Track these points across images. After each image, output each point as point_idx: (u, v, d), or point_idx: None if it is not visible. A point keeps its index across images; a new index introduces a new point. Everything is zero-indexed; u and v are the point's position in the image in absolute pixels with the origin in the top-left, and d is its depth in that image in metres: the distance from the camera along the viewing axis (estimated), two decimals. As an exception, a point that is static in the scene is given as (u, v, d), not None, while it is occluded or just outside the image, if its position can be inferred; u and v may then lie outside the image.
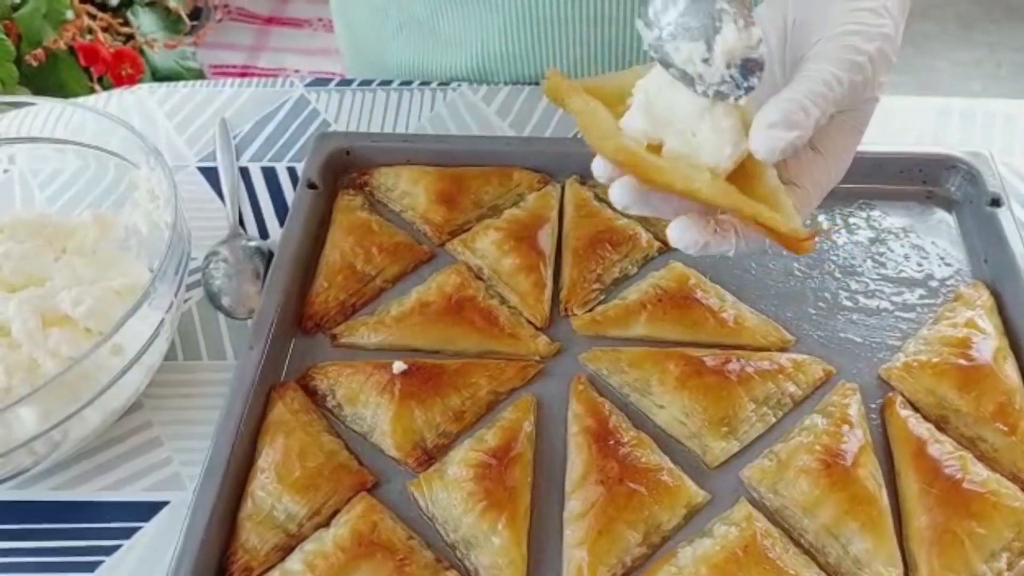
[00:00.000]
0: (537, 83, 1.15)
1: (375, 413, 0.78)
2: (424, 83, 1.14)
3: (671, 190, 0.61)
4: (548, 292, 0.88)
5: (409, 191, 0.96)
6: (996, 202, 0.91)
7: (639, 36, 1.08)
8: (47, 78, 2.13)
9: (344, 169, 1.00)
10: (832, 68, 0.62)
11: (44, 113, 0.97)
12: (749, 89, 0.60)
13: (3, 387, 0.73)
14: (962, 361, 0.79)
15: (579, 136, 1.06)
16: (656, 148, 0.63)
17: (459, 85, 1.13)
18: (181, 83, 1.17)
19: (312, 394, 0.82)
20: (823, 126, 0.64)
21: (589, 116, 0.64)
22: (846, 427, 0.76)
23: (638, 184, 0.63)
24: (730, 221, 0.64)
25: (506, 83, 1.15)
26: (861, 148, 0.96)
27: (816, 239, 0.60)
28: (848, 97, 0.63)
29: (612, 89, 0.68)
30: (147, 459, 0.80)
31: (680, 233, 0.64)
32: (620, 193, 0.64)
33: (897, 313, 0.87)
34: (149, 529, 0.76)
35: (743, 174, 0.63)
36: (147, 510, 0.77)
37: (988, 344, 0.80)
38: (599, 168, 0.65)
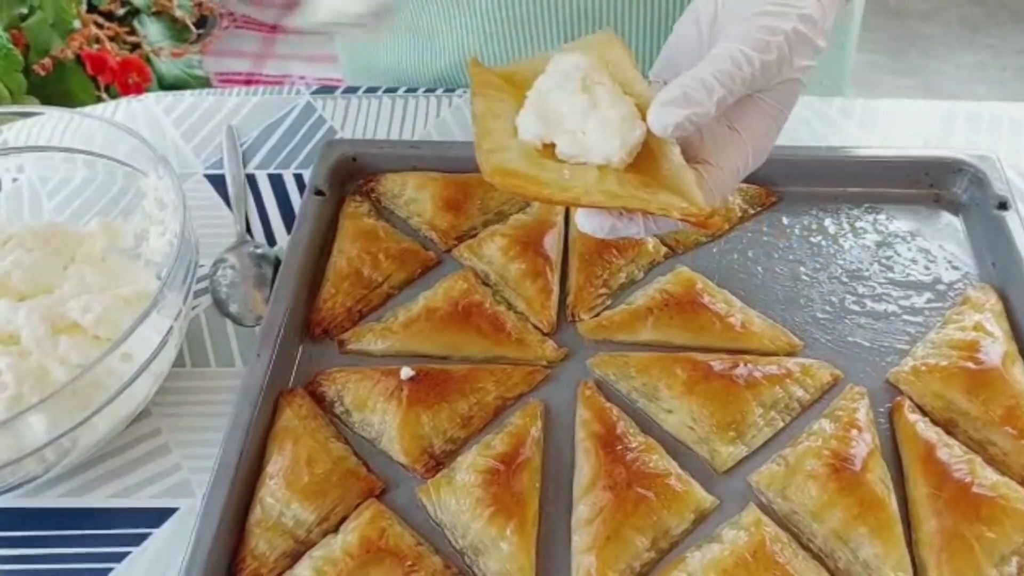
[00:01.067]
0: None
1: (383, 419, 0.78)
2: (429, 90, 1.15)
3: (553, 202, 0.64)
4: (555, 297, 0.88)
5: (415, 197, 0.97)
6: (1003, 205, 0.91)
7: (616, 29, 1.09)
8: (54, 87, 2.14)
9: (350, 176, 1.00)
10: (741, 47, 0.63)
11: (52, 122, 0.98)
12: None
13: (13, 395, 0.73)
14: (970, 365, 0.79)
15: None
16: (552, 148, 0.65)
17: (464, 91, 1.14)
18: (188, 91, 1.18)
19: (320, 400, 0.82)
20: (741, 106, 0.66)
21: (482, 124, 0.66)
22: (854, 431, 0.76)
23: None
24: None
25: None
26: (867, 151, 0.97)
27: (723, 217, 0.62)
28: (760, 77, 0.64)
29: (528, 74, 0.70)
30: (156, 466, 0.80)
31: (586, 218, 0.66)
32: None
33: (905, 317, 0.87)
34: (158, 536, 0.76)
35: (649, 155, 0.65)
36: (156, 517, 0.77)
37: (996, 348, 0.80)
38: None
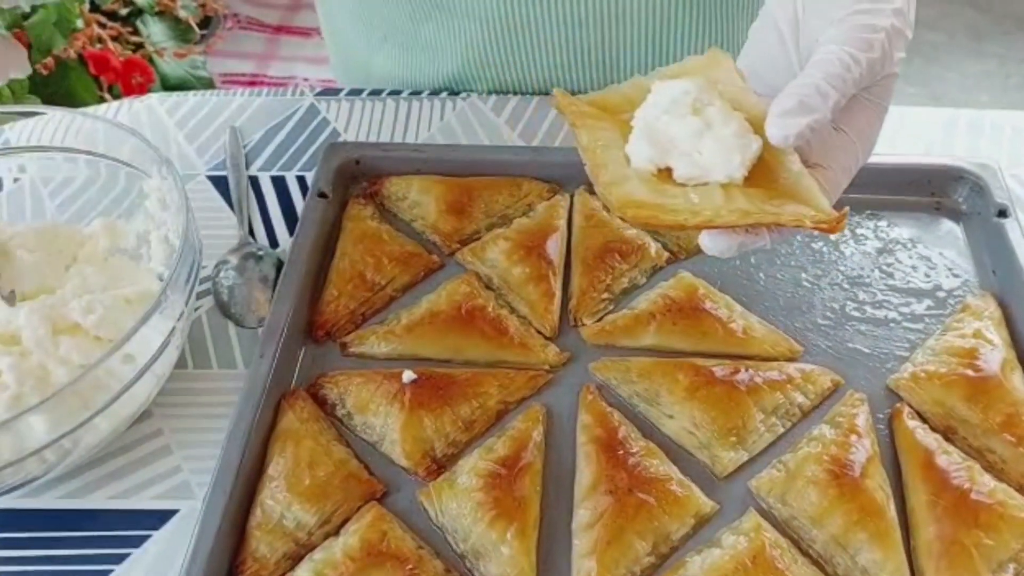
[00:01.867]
0: (518, 91, 1.16)
1: (385, 422, 0.79)
2: (433, 93, 1.15)
3: (686, 228, 0.63)
4: (557, 302, 0.88)
5: (419, 201, 0.97)
6: (1003, 213, 0.91)
7: (618, 38, 1.09)
8: (57, 87, 2.14)
9: (354, 178, 1.01)
10: (848, 48, 0.63)
11: (55, 122, 0.98)
12: None
13: (14, 395, 0.73)
14: (970, 372, 0.79)
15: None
16: (668, 172, 0.64)
17: (468, 95, 1.14)
18: (191, 92, 1.18)
19: (322, 403, 0.82)
20: (845, 106, 0.65)
21: (593, 156, 0.65)
22: (854, 437, 0.76)
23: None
24: None
25: (489, 92, 1.16)
26: (869, 159, 0.97)
27: (845, 219, 0.61)
28: (867, 76, 0.64)
29: (617, 100, 0.70)
30: (157, 467, 0.80)
31: (712, 240, 0.65)
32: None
33: (905, 324, 0.87)
34: (159, 537, 0.76)
35: (764, 167, 0.64)
36: (157, 518, 0.77)
37: (996, 355, 0.80)
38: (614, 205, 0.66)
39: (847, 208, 0.63)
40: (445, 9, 1.10)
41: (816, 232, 0.61)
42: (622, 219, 0.64)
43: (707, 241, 0.65)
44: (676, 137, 0.64)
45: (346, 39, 1.26)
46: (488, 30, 1.10)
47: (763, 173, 0.64)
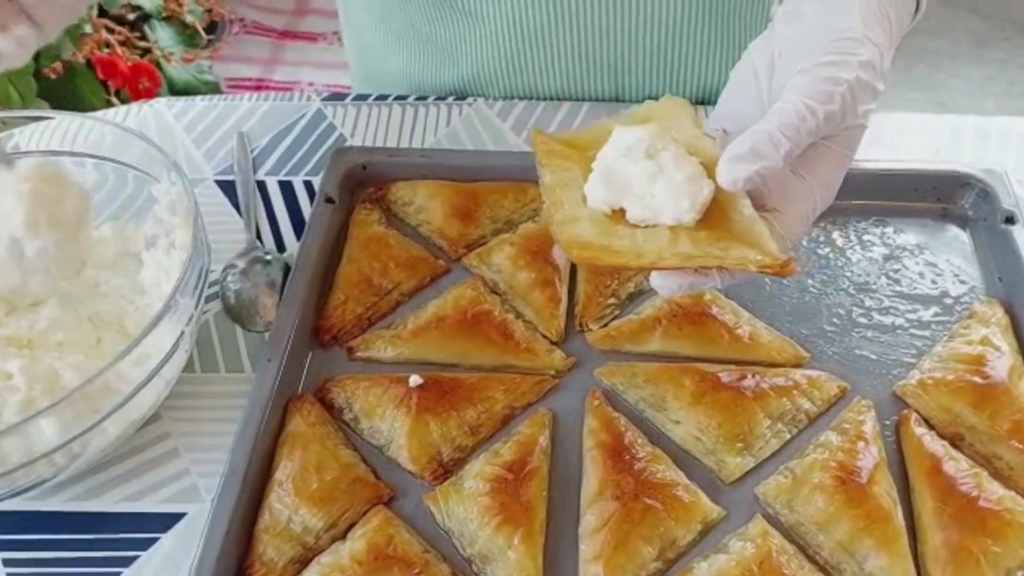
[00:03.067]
0: (531, 97, 1.16)
1: (392, 426, 0.79)
2: (439, 98, 1.15)
3: (629, 268, 0.67)
4: (563, 307, 0.89)
5: (425, 206, 0.97)
6: (1010, 219, 0.91)
7: (631, 49, 1.10)
8: (65, 91, 2.15)
9: (361, 183, 1.01)
10: (805, 99, 0.64)
11: (63, 127, 0.98)
12: None
13: (24, 398, 0.73)
14: (977, 379, 0.79)
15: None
16: (622, 213, 0.67)
17: (474, 100, 1.14)
18: (199, 97, 1.18)
19: (329, 407, 0.82)
20: (807, 153, 0.66)
21: (552, 195, 0.69)
22: (861, 444, 0.76)
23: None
24: None
25: (504, 97, 1.16)
26: (875, 165, 0.97)
27: (800, 263, 0.63)
28: (824, 127, 0.64)
29: (587, 139, 0.73)
30: (165, 470, 0.81)
31: (661, 280, 0.67)
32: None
33: (912, 330, 0.87)
34: (167, 541, 0.76)
35: (718, 210, 0.66)
36: (165, 521, 0.77)
37: (1003, 362, 0.80)
38: (556, 253, 0.73)
39: (793, 254, 0.64)
40: (461, 12, 1.10)
41: (766, 275, 0.63)
42: (570, 259, 0.67)
43: (656, 281, 0.67)
44: (631, 180, 0.66)
45: (365, 40, 1.27)
46: (503, 35, 1.11)
47: (717, 216, 0.66)
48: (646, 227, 0.66)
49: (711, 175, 0.66)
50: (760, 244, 0.63)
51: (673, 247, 0.64)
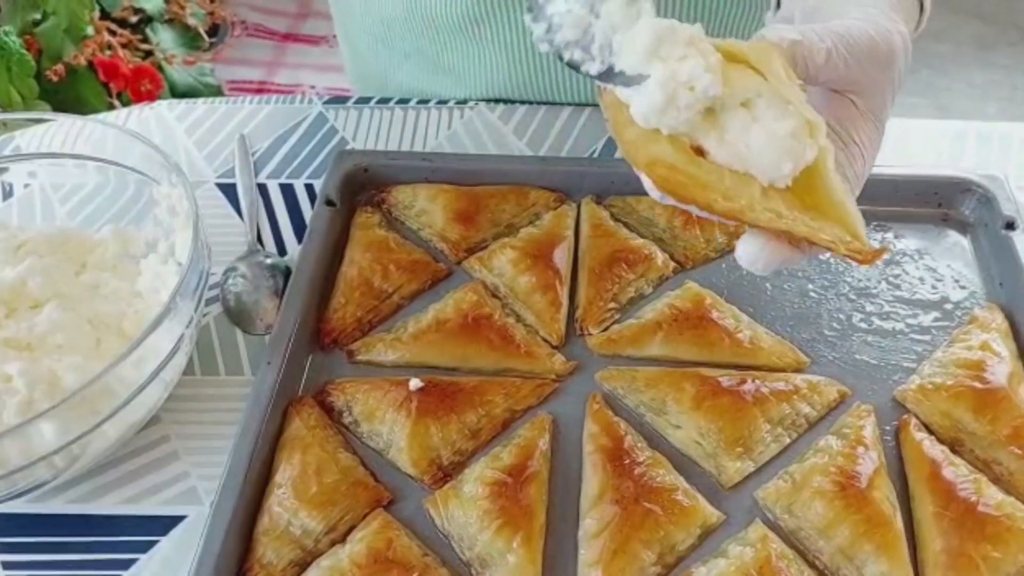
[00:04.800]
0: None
1: (391, 430, 0.79)
2: (441, 102, 1.15)
3: (712, 211, 0.57)
4: (564, 311, 0.89)
5: (426, 209, 0.97)
6: (1011, 225, 0.91)
7: None
8: (67, 93, 2.15)
9: (362, 187, 1.01)
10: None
11: (65, 129, 0.98)
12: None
13: (24, 400, 0.73)
14: (977, 384, 0.79)
15: (595, 156, 1.07)
16: (698, 150, 0.57)
17: (476, 104, 1.14)
18: (200, 100, 1.18)
19: (329, 410, 0.82)
20: (848, 112, 0.63)
21: (618, 112, 0.58)
22: (861, 449, 0.76)
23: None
24: None
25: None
26: (877, 170, 0.97)
27: (882, 256, 0.57)
28: (869, 55, 0.61)
29: None
30: (164, 473, 0.81)
31: (751, 247, 0.59)
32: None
33: (912, 335, 0.87)
34: (166, 543, 0.76)
35: (805, 175, 0.57)
36: (164, 524, 0.77)
37: (1003, 367, 0.80)
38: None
39: (887, 247, 0.59)
40: (470, 37, 1.10)
41: (850, 260, 0.57)
42: (648, 178, 0.57)
43: (742, 247, 0.59)
44: (723, 120, 0.57)
45: (364, 57, 1.27)
46: (513, 58, 1.11)
47: (804, 184, 0.57)
48: (733, 172, 0.57)
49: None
50: (849, 225, 0.56)
51: (765, 202, 0.56)
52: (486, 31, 1.09)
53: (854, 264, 0.58)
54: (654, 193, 0.60)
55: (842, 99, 0.63)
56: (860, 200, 0.98)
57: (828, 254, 0.92)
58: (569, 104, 1.15)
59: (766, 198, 0.56)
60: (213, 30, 2.86)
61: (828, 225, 0.57)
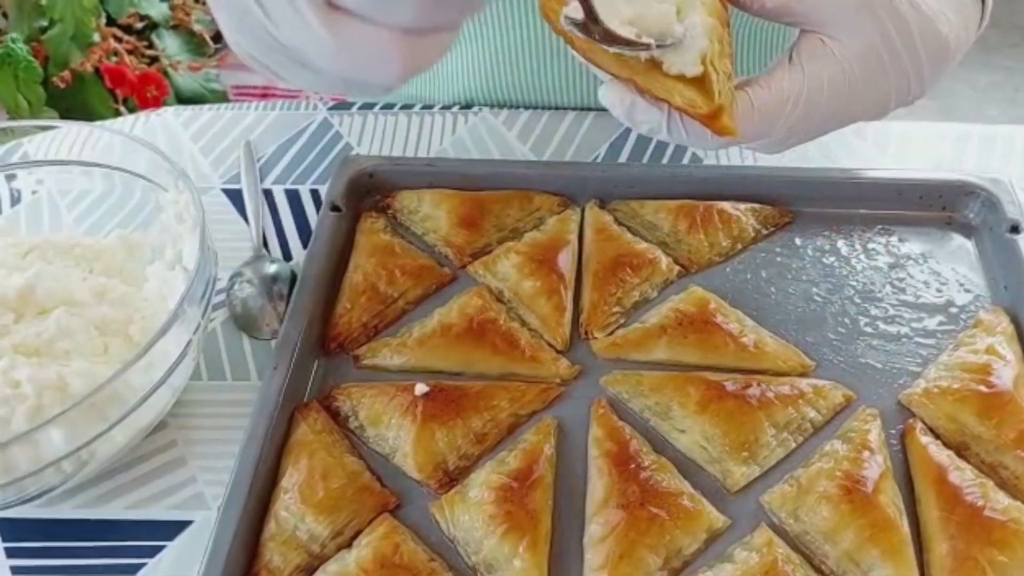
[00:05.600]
0: (536, 106, 1.16)
1: (397, 434, 0.79)
2: (445, 107, 1.16)
3: (573, 46, 0.62)
4: (568, 315, 0.89)
5: (431, 214, 0.97)
6: (1015, 228, 0.91)
7: None
8: (73, 100, 2.16)
9: (367, 192, 1.01)
10: None
11: (72, 136, 0.99)
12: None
13: (33, 406, 0.73)
14: (983, 388, 0.79)
15: (599, 160, 1.07)
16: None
17: (480, 109, 1.15)
18: (206, 106, 1.19)
19: (335, 415, 0.82)
20: (806, 44, 0.66)
21: None
22: (866, 453, 0.76)
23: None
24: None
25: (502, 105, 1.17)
26: (880, 174, 0.98)
27: (737, 125, 0.61)
28: None
29: None
30: (171, 478, 0.81)
31: (608, 88, 0.64)
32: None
33: (917, 339, 0.87)
34: (173, 548, 0.77)
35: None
36: (171, 529, 0.78)
37: (1009, 371, 0.80)
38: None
39: (723, 106, 0.61)
40: (468, 37, 1.10)
41: (696, 118, 0.61)
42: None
43: (602, 90, 0.65)
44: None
45: None
46: (494, 51, 1.11)
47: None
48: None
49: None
50: (707, 89, 0.61)
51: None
52: (484, 29, 1.09)
53: (706, 125, 0.62)
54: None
55: (810, 38, 0.66)
56: (862, 203, 0.98)
57: (832, 258, 0.93)
58: (572, 108, 1.15)
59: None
60: (218, 36, 2.87)
61: (688, 90, 0.61)
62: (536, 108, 1.16)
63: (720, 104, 0.61)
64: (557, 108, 1.15)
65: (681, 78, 0.63)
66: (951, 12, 0.68)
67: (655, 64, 0.63)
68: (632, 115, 0.64)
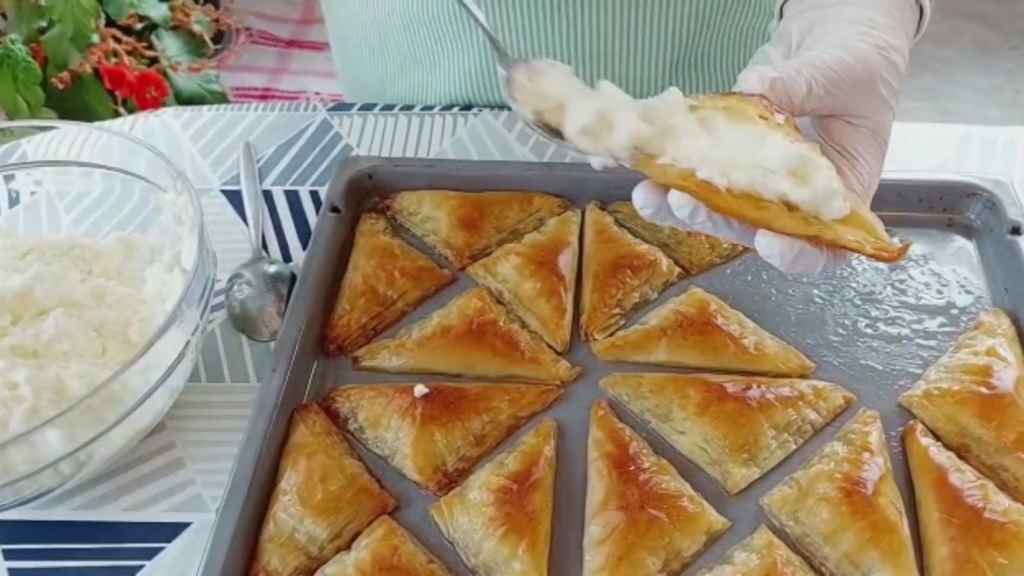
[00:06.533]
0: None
1: (396, 436, 0.79)
2: (445, 108, 1.16)
3: (742, 215, 0.60)
4: (568, 317, 0.89)
5: (431, 215, 0.97)
6: (1016, 230, 0.91)
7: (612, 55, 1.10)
8: (72, 100, 2.16)
9: (367, 193, 1.01)
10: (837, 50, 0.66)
11: (71, 137, 0.99)
12: None
13: (31, 407, 0.73)
14: (983, 389, 0.79)
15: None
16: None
17: (480, 110, 1.15)
18: (206, 107, 1.19)
19: (334, 417, 0.82)
20: (838, 129, 0.66)
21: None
22: (867, 455, 0.76)
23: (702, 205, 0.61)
24: None
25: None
26: (882, 175, 0.97)
27: (907, 251, 0.60)
28: (854, 78, 0.65)
29: None
30: (170, 480, 0.81)
31: (768, 241, 0.60)
32: (684, 199, 0.61)
33: (917, 341, 0.87)
34: (171, 550, 0.76)
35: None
36: (170, 531, 0.77)
37: (1009, 373, 0.80)
38: (644, 198, 0.64)
39: (911, 241, 0.62)
40: (461, 37, 1.11)
41: (878, 259, 0.60)
42: (680, 189, 0.60)
43: (763, 240, 0.61)
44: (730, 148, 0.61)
45: (357, 69, 1.28)
46: (483, 49, 1.11)
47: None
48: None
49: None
50: (870, 227, 0.60)
51: (786, 212, 0.59)
52: (454, 26, 1.09)
53: (882, 263, 0.64)
54: (682, 211, 0.62)
55: (836, 121, 0.68)
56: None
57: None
58: None
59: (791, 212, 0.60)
60: (218, 37, 2.88)
61: (850, 229, 0.60)
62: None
63: (906, 244, 0.61)
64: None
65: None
66: (904, 43, 0.71)
67: (792, 208, 0.60)
68: (796, 263, 0.61)
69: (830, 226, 0.59)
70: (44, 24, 2.20)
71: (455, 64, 1.15)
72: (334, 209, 0.97)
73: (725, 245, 0.94)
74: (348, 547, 0.73)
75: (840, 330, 0.88)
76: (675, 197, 0.61)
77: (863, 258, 0.93)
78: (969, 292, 0.91)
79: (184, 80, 2.43)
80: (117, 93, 2.26)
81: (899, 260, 0.60)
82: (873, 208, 0.95)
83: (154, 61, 2.43)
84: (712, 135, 0.61)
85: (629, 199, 0.96)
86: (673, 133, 0.62)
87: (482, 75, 1.14)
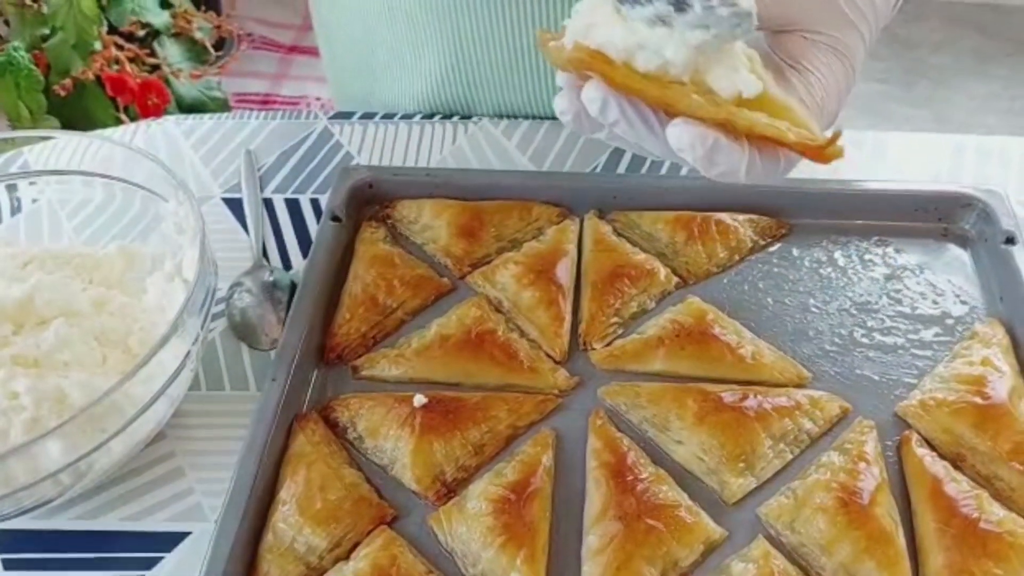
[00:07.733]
0: (527, 115, 1.16)
1: (395, 446, 0.79)
2: (445, 117, 1.16)
3: (643, 92, 0.56)
4: (567, 326, 0.89)
5: (431, 224, 0.98)
6: (1011, 240, 0.91)
7: None
8: (74, 107, 2.16)
9: (367, 202, 1.02)
10: None
11: (72, 145, 0.99)
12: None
13: (31, 417, 0.74)
14: (978, 399, 0.79)
15: (598, 170, 1.07)
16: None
17: (480, 119, 1.15)
18: (207, 115, 1.19)
19: (333, 426, 0.82)
20: (797, 45, 0.64)
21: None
22: (863, 465, 0.76)
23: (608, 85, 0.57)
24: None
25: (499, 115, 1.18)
26: (877, 185, 0.98)
27: (836, 145, 0.55)
28: None
29: None
30: (169, 489, 0.81)
31: (682, 127, 0.56)
32: (594, 91, 0.58)
33: (913, 350, 0.87)
34: (171, 560, 0.77)
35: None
36: (169, 541, 0.78)
37: (1004, 383, 0.81)
38: (563, 104, 0.61)
39: (840, 131, 0.56)
40: (454, 36, 1.11)
41: (804, 154, 0.55)
42: (577, 61, 0.57)
43: (674, 131, 0.56)
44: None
45: (347, 75, 1.29)
46: (456, 46, 1.11)
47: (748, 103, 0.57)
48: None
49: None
50: (797, 119, 0.56)
51: (692, 92, 0.55)
52: (480, 36, 1.10)
53: (809, 159, 0.56)
54: (593, 105, 0.59)
55: (791, 35, 0.65)
56: (859, 214, 0.98)
57: (828, 270, 0.93)
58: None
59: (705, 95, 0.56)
60: (219, 44, 2.88)
61: (769, 118, 0.56)
62: (535, 118, 1.16)
63: (835, 135, 0.56)
64: (556, 118, 1.15)
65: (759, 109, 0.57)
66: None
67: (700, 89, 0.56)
68: (712, 158, 0.56)
69: (742, 112, 0.54)
70: (46, 31, 2.21)
71: (434, 63, 1.15)
72: (335, 218, 0.97)
73: (723, 255, 0.94)
74: (347, 557, 0.74)
75: (836, 340, 0.88)
76: (586, 91, 0.58)
77: (859, 268, 0.93)
78: (964, 302, 0.91)
79: (186, 87, 2.43)
80: (119, 100, 2.26)
81: (829, 156, 0.55)
82: (868, 217, 0.97)
83: (156, 68, 2.43)
84: (630, 27, 0.57)
85: (628, 208, 0.98)
86: (595, 26, 0.58)
87: (458, 73, 1.14)
